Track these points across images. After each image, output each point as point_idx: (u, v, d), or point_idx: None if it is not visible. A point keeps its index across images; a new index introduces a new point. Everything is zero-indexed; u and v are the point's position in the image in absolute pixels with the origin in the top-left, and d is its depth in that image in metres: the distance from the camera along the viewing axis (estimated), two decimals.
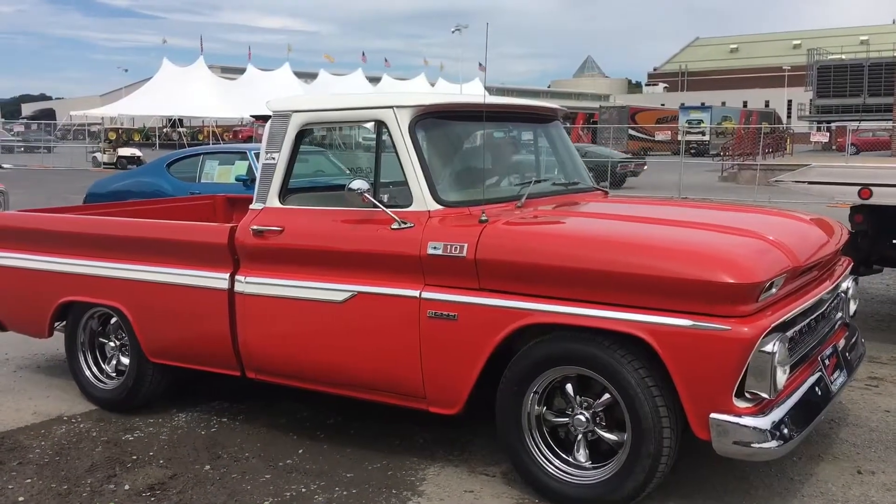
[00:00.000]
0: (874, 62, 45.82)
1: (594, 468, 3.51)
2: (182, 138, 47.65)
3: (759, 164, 23.78)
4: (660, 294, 3.21)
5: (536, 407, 3.59)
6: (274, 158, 4.23)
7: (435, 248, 3.63)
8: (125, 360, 4.80)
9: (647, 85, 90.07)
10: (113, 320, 4.85)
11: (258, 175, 4.32)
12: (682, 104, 55.63)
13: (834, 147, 41.29)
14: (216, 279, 4.27)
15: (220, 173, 9.76)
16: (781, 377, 3.21)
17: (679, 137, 39.54)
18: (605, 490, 3.42)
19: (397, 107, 3.92)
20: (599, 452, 3.53)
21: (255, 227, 4.18)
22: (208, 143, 38.95)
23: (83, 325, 4.97)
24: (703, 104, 53.37)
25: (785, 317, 3.32)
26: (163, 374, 4.73)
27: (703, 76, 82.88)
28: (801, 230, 3.99)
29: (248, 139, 39.36)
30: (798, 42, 77.73)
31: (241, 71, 56.16)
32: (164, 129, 52.89)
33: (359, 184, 3.76)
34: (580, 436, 3.53)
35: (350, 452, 4.18)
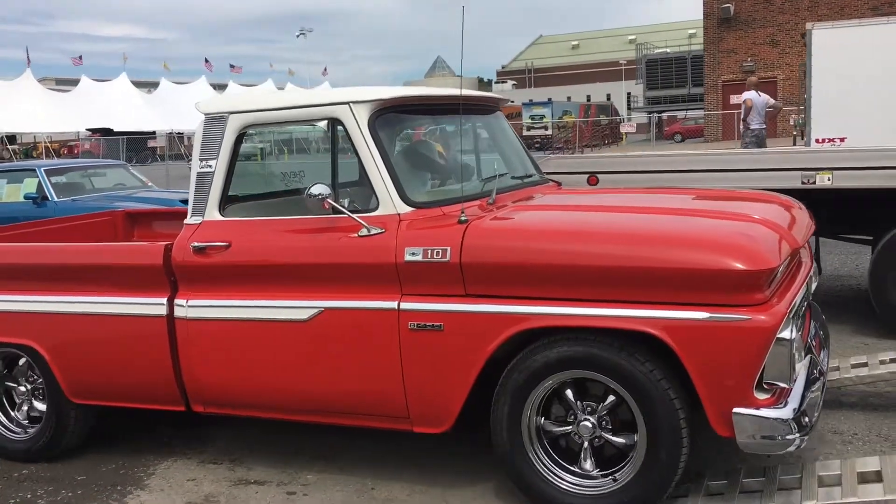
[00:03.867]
0: (696, 54, 48.92)
1: (604, 476, 3.31)
2: (13, 157, 45.03)
3: (587, 156, 25.11)
4: (670, 287, 3.04)
5: (536, 417, 3.38)
6: (210, 166, 3.87)
7: (413, 253, 3.38)
8: (40, 405, 4.31)
9: (496, 83, 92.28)
10: (21, 361, 4.33)
11: (192, 186, 3.93)
12: (531, 100, 57.41)
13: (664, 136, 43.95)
14: (152, 305, 3.87)
15: (8, 192, 9.57)
16: (797, 364, 3.13)
17: (524, 132, 40.94)
18: (620, 500, 3.24)
19: (354, 102, 3.66)
20: (607, 461, 3.34)
21: (196, 243, 3.79)
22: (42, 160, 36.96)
23: None
24: (549, 99, 55.11)
25: (793, 301, 3.19)
26: (87, 415, 4.30)
27: (549, 72, 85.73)
28: (783, 212, 3.80)
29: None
30: (633, 37, 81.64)
31: (76, 82, 53.58)
32: None
33: (320, 188, 3.49)
34: (586, 444, 3.33)
35: (89, 455, 4.31)
